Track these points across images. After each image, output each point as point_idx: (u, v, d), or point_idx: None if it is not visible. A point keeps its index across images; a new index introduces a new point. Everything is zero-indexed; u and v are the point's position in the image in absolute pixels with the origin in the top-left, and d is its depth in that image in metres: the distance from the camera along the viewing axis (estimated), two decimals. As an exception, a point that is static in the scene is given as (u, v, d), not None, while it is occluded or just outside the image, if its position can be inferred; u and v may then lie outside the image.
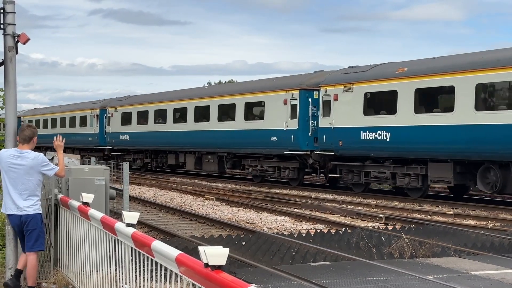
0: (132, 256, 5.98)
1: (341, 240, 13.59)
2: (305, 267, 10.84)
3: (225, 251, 4.02)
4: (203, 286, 4.14)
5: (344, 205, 21.61)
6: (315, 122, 27.21)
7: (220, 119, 32.71)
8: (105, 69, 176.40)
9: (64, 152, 8.69)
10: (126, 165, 11.07)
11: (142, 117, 40.29)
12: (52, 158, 9.23)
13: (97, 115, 45.06)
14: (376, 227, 16.19)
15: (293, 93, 27.96)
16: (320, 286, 9.24)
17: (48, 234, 9.35)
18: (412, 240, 12.49)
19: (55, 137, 8.69)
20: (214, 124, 33.04)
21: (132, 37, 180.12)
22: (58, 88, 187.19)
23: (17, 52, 8.70)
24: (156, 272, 5.20)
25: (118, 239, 6.42)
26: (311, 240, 13.74)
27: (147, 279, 5.53)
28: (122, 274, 6.33)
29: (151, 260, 5.31)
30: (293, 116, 27.86)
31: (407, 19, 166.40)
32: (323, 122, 26.32)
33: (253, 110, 31.08)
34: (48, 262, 9.41)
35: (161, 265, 5.09)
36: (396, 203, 22.53)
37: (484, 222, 17.37)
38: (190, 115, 35.23)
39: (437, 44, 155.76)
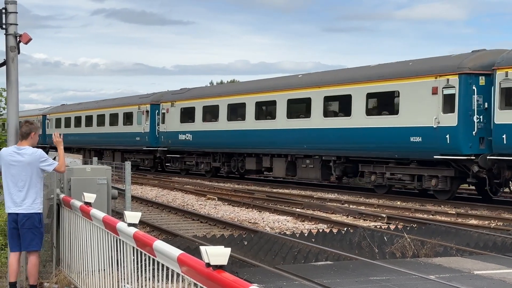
0: (134, 256, 5.97)
1: (343, 240, 13.58)
2: (307, 266, 10.84)
3: (227, 251, 4.02)
4: (205, 286, 4.14)
5: (346, 205, 21.60)
6: (481, 116, 20.99)
7: (326, 114, 26.71)
8: (107, 69, 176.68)
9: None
10: (128, 164, 11.09)
11: (210, 112, 33.87)
12: (54, 158, 9.24)
13: (147, 111, 38.68)
14: (378, 226, 16.18)
15: (448, 79, 21.54)
16: (322, 286, 9.24)
17: (50, 234, 9.36)
18: (414, 239, 12.48)
19: (53, 134, 8.78)
20: (317, 120, 26.86)
21: (134, 37, 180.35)
22: (60, 88, 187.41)
23: (19, 52, 8.72)
24: (158, 272, 5.20)
25: (120, 239, 6.42)
26: (313, 239, 13.74)
27: (149, 279, 5.53)
28: (124, 274, 6.33)
29: (153, 260, 5.31)
30: (447, 109, 21.60)
31: (409, 18, 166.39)
32: (502, 117, 20.05)
33: (380, 102, 25.03)
34: (50, 262, 9.42)
35: (162, 265, 5.08)
36: (398, 202, 22.50)
37: (487, 222, 17.36)
38: (281, 110, 28.86)
39: (439, 44, 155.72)
